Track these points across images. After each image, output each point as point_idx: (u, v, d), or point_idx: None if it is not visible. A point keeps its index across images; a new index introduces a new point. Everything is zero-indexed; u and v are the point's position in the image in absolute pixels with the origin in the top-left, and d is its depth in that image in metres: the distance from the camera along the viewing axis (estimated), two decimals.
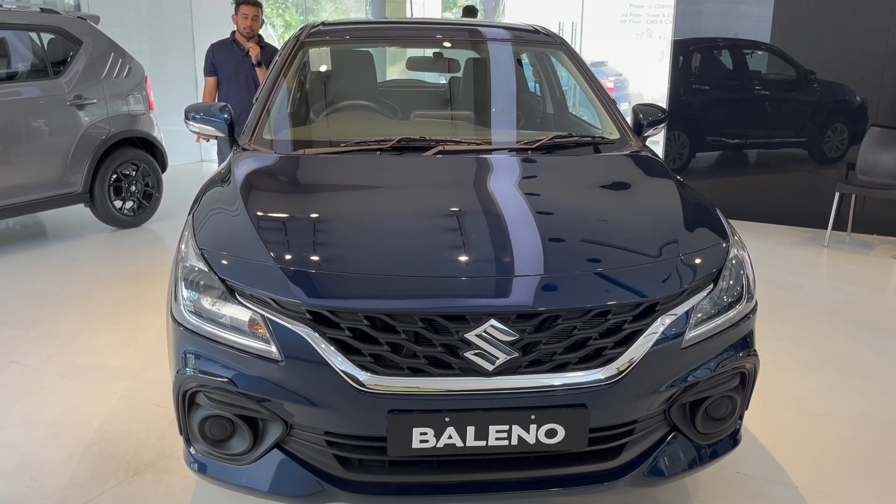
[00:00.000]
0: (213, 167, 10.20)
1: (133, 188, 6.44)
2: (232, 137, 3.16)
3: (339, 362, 1.97)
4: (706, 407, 2.21)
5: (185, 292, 2.17)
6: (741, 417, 2.35)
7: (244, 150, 2.88)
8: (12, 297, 4.66)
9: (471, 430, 2.01)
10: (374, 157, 2.74)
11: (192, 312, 2.15)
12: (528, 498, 2.13)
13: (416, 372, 1.99)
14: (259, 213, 2.32)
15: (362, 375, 1.97)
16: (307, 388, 2.01)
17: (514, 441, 2.03)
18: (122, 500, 2.57)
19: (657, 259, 2.17)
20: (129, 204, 6.45)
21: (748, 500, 2.59)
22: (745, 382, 2.28)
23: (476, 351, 1.97)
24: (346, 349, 1.98)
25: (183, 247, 2.32)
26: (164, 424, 3.07)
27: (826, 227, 6.14)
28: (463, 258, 2.10)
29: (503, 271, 2.06)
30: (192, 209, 2.53)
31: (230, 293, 2.08)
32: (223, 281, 2.10)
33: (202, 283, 2.16)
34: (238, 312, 2.07)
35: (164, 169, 6.72)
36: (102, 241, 6.13)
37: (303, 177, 2.66)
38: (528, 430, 2.02)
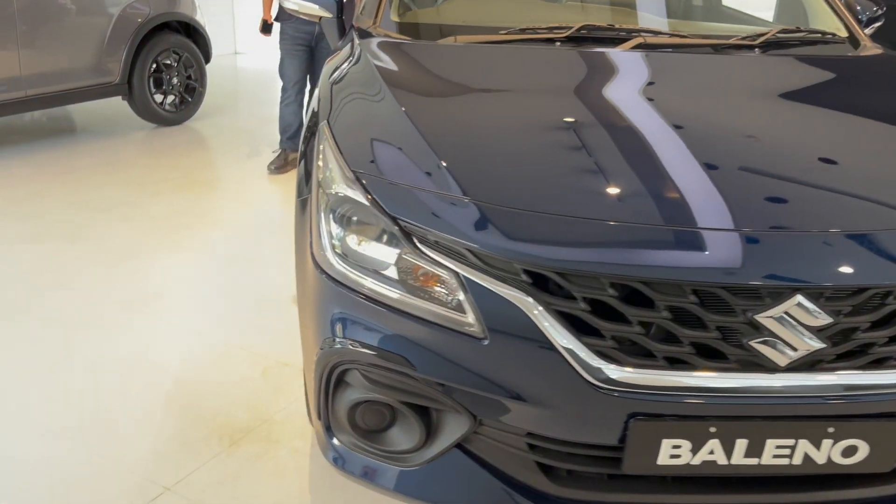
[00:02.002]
0: (248, 60, 9.41)
1: (175, 80, 5.73)
2: (340, 19, 2.48)
3: (568, 344, 1.38)
4: None
5: (335, 230, 1.57)
6: None
7: (369, 35, 2.20)
8: (50, 202, 4.07)
9: (741, 444, 1.43)
10: (554, 51, 2.06)
11: (344, 259, 1.55)
12: None
13: (673, 363, 1.40)
14: (429, 126, 1.67)
15: (600, 364, 1.38)
16: (516, 376, 1.43)
17: (797, 460, 1.45)
18: (222, 479, 2.04)
19: None
20: (170, 98, 5.76)
21: None
22: None
23: (765, 338, 1.37)
24: (578, 327, 1.38)
25: (320, 163, 1.69)
26: (255, 375, 2.53)
27: None
28: (751, 204, 1.46)
29: (810, 225, 1.43)
30: (320, 113, 1.89)
31: (405, 237, 1.47)
32: (395, 220, 1.48)
33: (357, 219, 1.55)
34: (416, 265, 1.47)
35: (207, 59, 6.00)
36: (142, 140, 5.49)
37: (471, 76, 1.97)
38: (818, 447, 1.44)
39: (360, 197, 1.54)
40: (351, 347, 1.52)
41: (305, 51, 4.63)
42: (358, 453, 1.63)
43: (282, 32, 4.60)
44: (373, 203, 1.51)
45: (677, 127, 1.71)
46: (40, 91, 4.84)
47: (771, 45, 2.16)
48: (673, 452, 1.43)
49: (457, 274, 1.42)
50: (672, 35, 2.15)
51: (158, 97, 5.68)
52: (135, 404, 2.34)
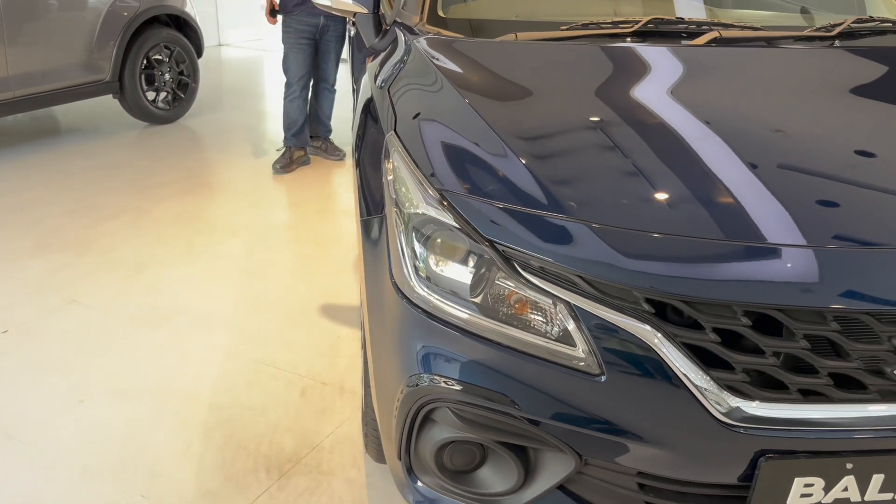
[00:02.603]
0: (233, 52, 9.14)
1: (167, 76, 5.50)
2: (377, 15, 2.32)
3: (695, 379, 1.25)
4: None
5: (419, 253, 1.42)
6: None
7: (416, 32, 2.04)
8: (49, 211, 3.85)
9: (878, 479, 1.32)
10: (629, 48, 1.91)
11: (429, 284, 1.40)
12: None
13: (807, 395, 1.28)
14: (515, 134, 1.52)
15: (731, 400, 1.26)
16: (636, 414, 1.30)
17: None
18: None
19: None
20: (162, 95, 5.53)
21: None
22: None
23: None
24: (704, 359, 1.25)
25: (390, 177, 1.54)
26: (294, 397, 2.38)
27: None
28: (884, 217, 1.34)
29: None
30: (381, 122, 1.73)
31: (504, 262, 1.33)
32: (491, 244, 1.33)
33: (442, 241, 1.40)
34: (511, 291, 1.33)
35: (199, 53, 5.76)
36: (135, 140, 5.26)
37: (545, 77, 1.79)
38: None
39: (447, 218, 1.39)
40: (444, 385, 1.38)
41: (310, 44, 4.44)
42: (445, 496, 1.49)
43: (285, 25, 4.40)
44: (464, 225, 1.36)
45: (795, 134, 1.57)
46: (29, 91, 4.60)
47: (846, 36, 2.04)
48: (804, 491, 1.31)
49: (567, 304, 1.29)
50: (744, 27, 2.01)
51: (150, 94, 5.45)
52: (171, 436, 2.18)
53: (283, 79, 4.56)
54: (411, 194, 1.46)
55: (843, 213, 1.32)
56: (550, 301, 1.31)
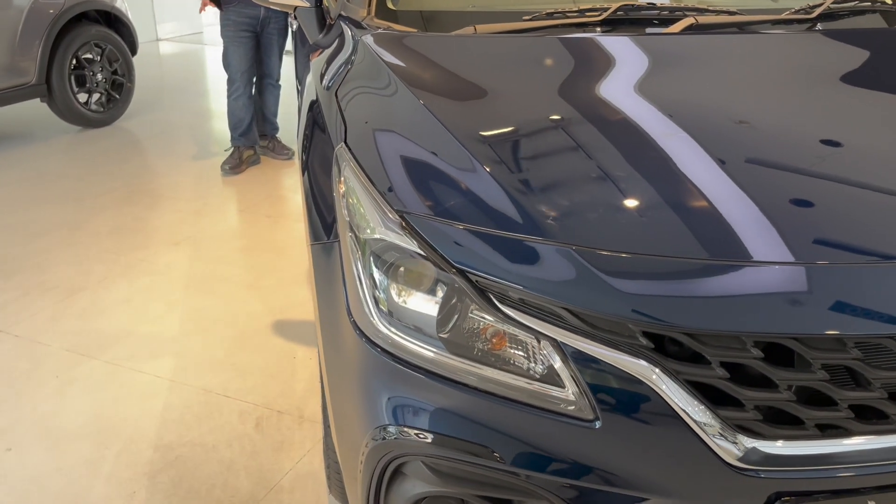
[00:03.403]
0: (171, 48, 8.77)
1: (99, 77, 5.17)
2: (320, 9, 2.11)
3: (702, 419, 1.10)
4: None
5: (379, 284, 1.24)
6: None
7: (364, 27, 1.84)
8: None
9: None
10: (599, 40, 1.74)
11: (392, 321, 1.22)
12: None
13: (824, 430, 1.14)
14: (483, 144, 1.34)
15: (743, 440, 1.11)
16: (635, 463, 1.14)
17: None
18: None
19: None
20: (95, 97, 5.20)
21: None
22: None
23: None
24: (712, 398, 1.10)
25: (342, 189, 1.35)
26: (248, 430, 2.18)
27: None
28: None
29: None
30: (328, 130, 1.54)
31: (478, 294, 1.15)
32: (463, 274, 1.16)
33: (405, 269, 1.22)
34: (487, 326, 1.17)
35: (133, 51, 5.44)
36: (68, 145, 4.93)
37: (513, 76, 1.60)
38: None
39: (409, 244, 1.20)
40: (414, 437, 1.20)
41: (251, 37, 4.18)
42: None
43: (223, 19, 4.13)
44: (429, 252, 1.18)
45: (800, 137, 1.42)
46: None
47: (826, 17, 1.90)
48: None
49: (553, 340, 1.12)
50: (720, 12, 1.85)
51: (82, 96, 5.12)
52: (112, 484, 1.96)
53: (226, 75, 4.30)
54: (367, 216, 1.28)
55: (866, 229, 1.17)
56: (533, 336, 1.14)
